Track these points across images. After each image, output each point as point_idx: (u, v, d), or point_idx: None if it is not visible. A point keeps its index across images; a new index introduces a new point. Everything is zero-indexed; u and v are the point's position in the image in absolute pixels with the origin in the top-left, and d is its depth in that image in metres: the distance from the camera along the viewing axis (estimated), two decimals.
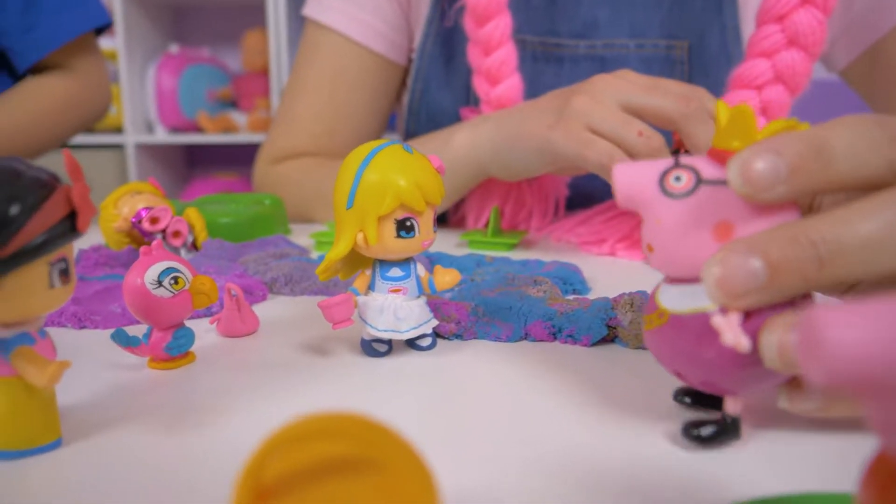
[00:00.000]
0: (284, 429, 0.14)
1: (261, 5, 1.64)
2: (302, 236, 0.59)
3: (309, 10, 0.74)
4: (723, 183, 0.21)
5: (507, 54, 0.58)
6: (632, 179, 0.23)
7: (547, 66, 0.65)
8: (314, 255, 0.51)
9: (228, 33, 1.90)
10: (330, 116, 0.73)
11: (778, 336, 0.18)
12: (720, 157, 0.21)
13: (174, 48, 1.73)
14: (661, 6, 0.63)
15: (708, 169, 0.21)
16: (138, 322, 0.35)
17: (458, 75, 0.67)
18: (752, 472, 0.21)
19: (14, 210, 0.20)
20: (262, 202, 0.58)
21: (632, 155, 0.46)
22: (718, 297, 0.20)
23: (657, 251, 0.22)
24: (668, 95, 0.46)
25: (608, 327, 0.33)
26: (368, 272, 0.31)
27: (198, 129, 1.72)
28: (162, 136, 1.72)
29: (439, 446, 0.23)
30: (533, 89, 0.61)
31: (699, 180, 0.21)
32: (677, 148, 0.48)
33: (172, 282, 0.28)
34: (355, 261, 0.33)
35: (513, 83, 0.58)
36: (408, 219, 0.29)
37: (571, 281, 0.42)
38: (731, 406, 0.22)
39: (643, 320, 0.24)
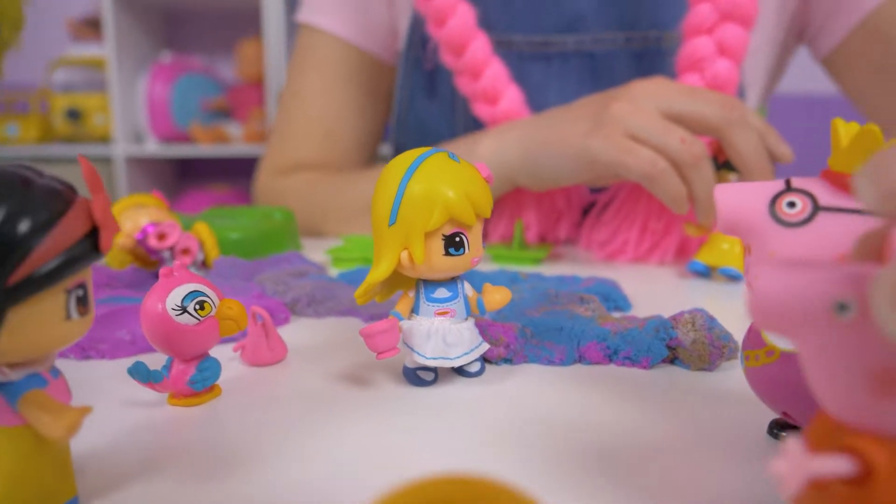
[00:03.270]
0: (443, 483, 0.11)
1: (256, 14, 1.61)
2: (315, 252, 0.56)
3: (301, 16, 0.72)
4: (845, 211, 0.19)
5: (496, 70, 0.56)
6: (737, 203, 0.20)
7: (535, 66, 0.62)
8: (332, 272, 0.48)
9: (223, 42, 1.86)
10: (328, 118, 0.71)
11: None
12: (839, 180, 0.19)
13: (166, 56, 1.69)
14: None
15: (824, 194, 0.19)
16: (151, 350, 0.32)
17: (443, 83, 0.65)
18: None
19: (24, 228, 0.16)
20: (272, 216, 0.55)
21: (674, 163, 0.43)
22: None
23: None
24: (710, 102, 0.44)
25: (668, 348, 0.31)
26: (411, 294, 0.28)
27: (190, 139, 1.68)
28: (153, 146, 1.68)
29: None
30: (525, 92, 0.58)
31: (816, 207, 0.19)
32: (715, 156, 0.46)
33: (198, 307, 0.25)
34: (394, 281, 0.30)
35: (512, 95, 0.57)
36: (457, 234, 0.26)
37: (613, 297, 0.40)
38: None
39: (743, 355, 0.22)
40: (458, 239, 0.27)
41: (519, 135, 0.51)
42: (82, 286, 0.18)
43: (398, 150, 0.70)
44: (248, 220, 0.52)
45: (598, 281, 0.42)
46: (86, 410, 0.18)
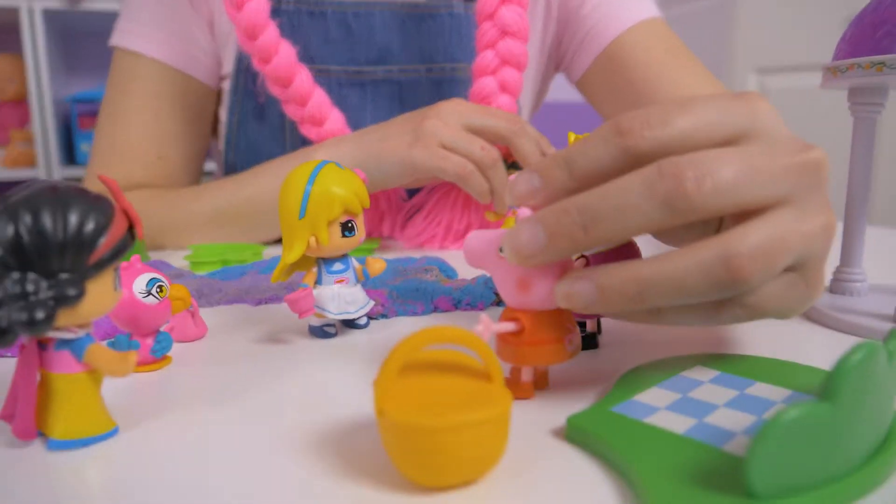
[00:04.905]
0: (431, 331, 0.21)
1: (14, 29, 1.48)
2: (170, 260, 0.60)
3: (117, 41, 0.74)
4: None
5: (319, 98, 0.64)
6: None
7: (351, 91, 0.73)
8: (198, 273, 0.54)
9: None
10: (157, 142, 0.74)
11: (565, 286, 0.25)
12: None
13: None
14: (443, 35, 0.74)
15: None
16: None
17: (272, 108, 0.73)
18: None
19: (94, 226, 0.23)
20: None
21: (478, 165, 0.57)
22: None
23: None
24: (499, 118, 0.58)
25: (495, 294, 0.43)
26: (314, 270, 0.37)
27: None
28: None
29: None
30: (344, 113, 0.67)
31: None
32: (505, 158, 0.61)
33: (158, 290, 0.32)
34: (294, 265, 0.38)
35: (335, 117, 0.66)
36: (349, 221, 0.36)
37: (443, 269, 0.52)
38: (589, 324, 0.34)
39: None
40: (350, 224, 0.36)
41: (351, 147, 0.61)
42: (118, 267, 0.25)
43: (229, 169, 0.76)
44: None
45: (429, 259, 0.54)
46: (135, 354, 0.25)
